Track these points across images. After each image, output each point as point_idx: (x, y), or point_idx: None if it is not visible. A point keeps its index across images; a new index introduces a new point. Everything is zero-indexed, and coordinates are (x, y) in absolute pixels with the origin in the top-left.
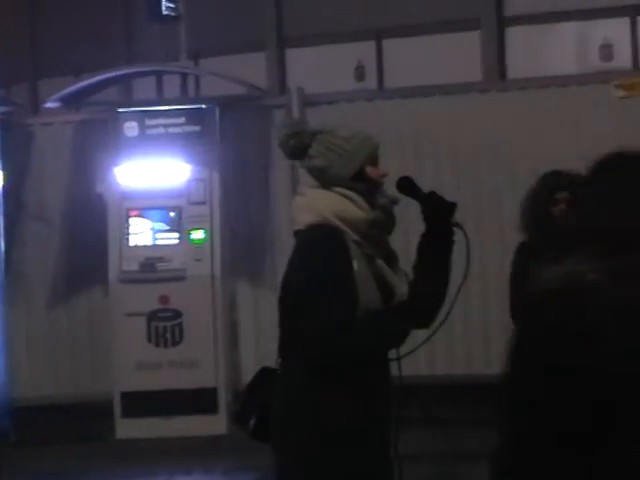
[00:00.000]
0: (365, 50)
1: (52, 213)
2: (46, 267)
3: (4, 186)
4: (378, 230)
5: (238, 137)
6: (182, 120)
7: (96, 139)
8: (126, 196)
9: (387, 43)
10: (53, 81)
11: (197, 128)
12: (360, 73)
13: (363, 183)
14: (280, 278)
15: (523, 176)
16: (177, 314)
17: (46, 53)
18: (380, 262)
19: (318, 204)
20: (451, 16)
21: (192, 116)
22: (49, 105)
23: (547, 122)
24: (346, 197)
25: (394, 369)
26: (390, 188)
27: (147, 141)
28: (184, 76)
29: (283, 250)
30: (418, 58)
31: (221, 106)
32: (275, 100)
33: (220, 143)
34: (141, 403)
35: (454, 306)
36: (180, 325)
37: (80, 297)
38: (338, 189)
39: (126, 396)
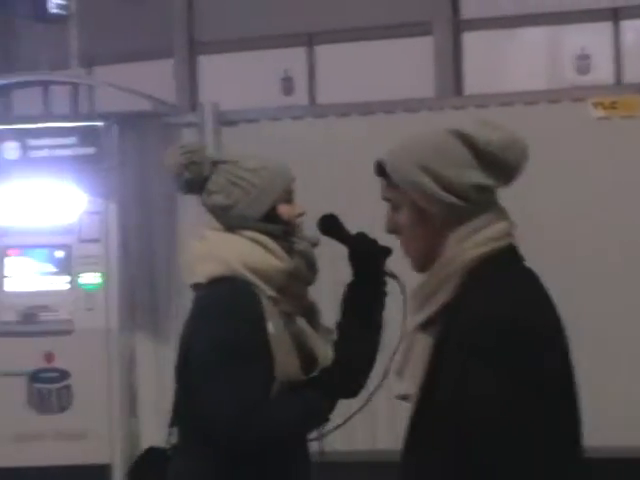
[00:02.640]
0: (293, 58)
1: None
2: None
3: None
4: (298, 282)
5: (141, 161)
6: (73, 140)
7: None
8: (3, 231)
9: (320, 50)
10: None
11: (91, 150)
12: (288, 85)
13: (276, 224)
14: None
15: None
16: (64, 374)
17: None
18: (300, 321)
19: (223, 252)
20: (398, 19)
21: (85, 135)
22: None
23: None
24: (257, 243)
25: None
26: (311, 227)
27: (30, 165)
28: (75, 87)
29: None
30: (357, 68)
31: (120, 124)
32: (185, 118)
33: (119, 168)
34: None
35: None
36: (68, 388)
37: None
38: (247, 233)
39: (1, 473)
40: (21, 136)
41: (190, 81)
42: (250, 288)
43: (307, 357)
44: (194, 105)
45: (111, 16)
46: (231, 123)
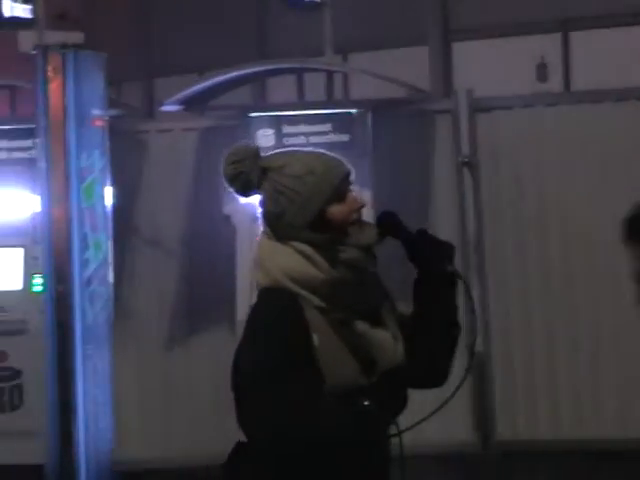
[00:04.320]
0: (549, 44)
1: (169, 237)
2: (162, 302)
3: (113, 205)
4: (346, 291)
5: (394, 148)
6: (327, 127)
7: (223, 149)
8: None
9: (575, 36)
10: (171, 80)
11: (345, 137)
12: (542, 72)
13: (324, 231)
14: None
15: None
16: (16, 373)
17: (163, 48)
18: (359, 324)
19: (268, 262)
20: None
21: (339, 123)
22: (166, 108)
23: None
24: (300, 253)
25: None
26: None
27: None
28: (329, 75)
29: None
30: (613, 54)
31: (374, 111)
32: (439, 104)
33: (373, 156)
34: None
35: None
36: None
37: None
38: (294, 243)
39: None
40: (276, 123)
41: (444, 68)
42: (294, 300)
43: (369, 360)
44: (448, 92)
45: (365, 3)
46: (485, 110)
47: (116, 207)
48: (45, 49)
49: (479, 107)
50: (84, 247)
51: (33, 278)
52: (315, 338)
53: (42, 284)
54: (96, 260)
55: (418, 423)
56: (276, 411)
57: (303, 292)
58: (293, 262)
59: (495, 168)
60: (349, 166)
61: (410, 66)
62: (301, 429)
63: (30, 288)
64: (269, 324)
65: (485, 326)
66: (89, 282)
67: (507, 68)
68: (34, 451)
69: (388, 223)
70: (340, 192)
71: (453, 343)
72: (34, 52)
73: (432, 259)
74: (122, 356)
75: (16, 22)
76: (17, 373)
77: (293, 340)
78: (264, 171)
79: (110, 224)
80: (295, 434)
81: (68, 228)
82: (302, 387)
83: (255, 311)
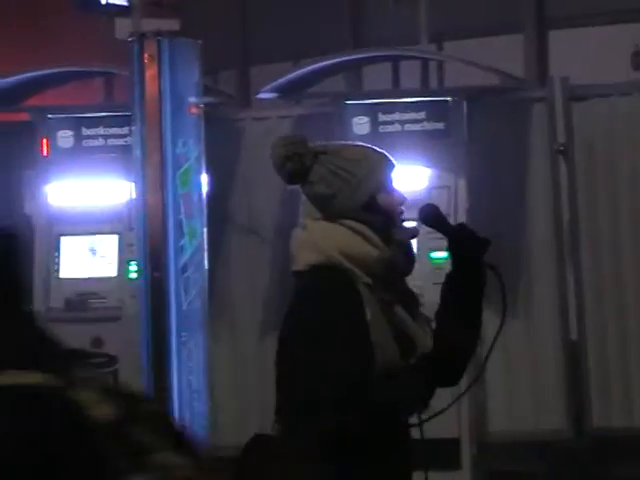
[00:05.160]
0: None
1: (263, 225)
2: (256, 290)
3: (209, 192)
4: (395, 271)
5: (489, 137)
6: (422, 115)
7: (318, 137)
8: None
9: None
10: (267, 68)
11: (440, 125)
12: (638, 60)
13: (375, 213)
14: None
15: None
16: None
17: (259, 35)
18: (398, 309)
19: (321, 240)
20: None
21: (434, 110)
22: (262, 96)
23: None
24: (356, 232)
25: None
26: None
27: (379, 140)
28: (425, 62)
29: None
30: None
31: (469, 99)
32: (534, 92)
33: (467, 143)
34: None
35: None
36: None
37: None
38: (346, 222)
39: None
40: (371, 111)
41: (539, 56)
42: (347, 275)
43: (405, 344)
44: (543, 80)
45: None
46: (581, 98)
47: (211, 194)
48: (141, 36)
49: (574, 95)
50: (179, 234)
51: (128, 265)
52: (368, 312)
53: (137, 271)
54: (191, 247)
55: (438, 414)
56: (330, 378)
57: (355, 269)
58: (348, 239)
59: (590, 156)
60: (395, 163)
61: (505, 54)
62: (353, 396)
63: (125, 275)
64: (326, 295)
65: (580, 313)
66: (184, 269)
67: (602, 56)
68: None
69: (430, 215)
70: (389, 182)
71: (472, 346)
72: (130, 39)
73: (470, 249)
74: (217, 343)
75: (113, 9)
76: (112, 359)
77: (350, 310)
78: (316, 155)
79: (205, 211)
80: (345, 400)
81: (163, 215)
82: (358, 356)
83: (307, 286)
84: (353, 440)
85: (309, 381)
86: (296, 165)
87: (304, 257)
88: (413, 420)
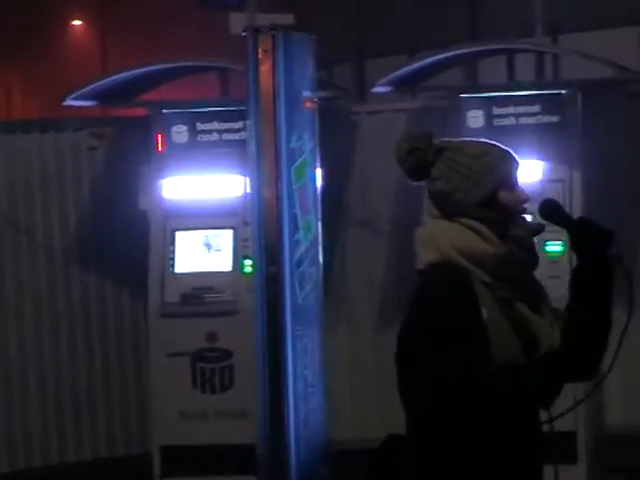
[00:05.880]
0: None
1: (380, 219)
2: (372, 284)
3: (323, 186)
4: (514, 267)
5: (604, 130)
6: (537, 108)
7: (434, 131)
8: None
9: None
10: (383, 61)
11: (555, 118)
12: None
13: (494, 210)
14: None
15: None
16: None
17: (374, 29)
18: (520, 306)
19: (438, 238)
20: None
21: (549, 104)
22: (378, 90)
23: None
24: (470, 229)
25: None
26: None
27: (494, 133)
28: (540, 55)
29: None
30: None
31: (584, 92)
32: None
33: (582, 136)
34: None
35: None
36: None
37: None
38: (462, 219)
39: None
40: (486, 104)
41: None
42: (464, 274)
43: (529, 341)
44: None
45: None
46: None
47: (326, 188)
48: (255, 31)
49: None
50: (294, 228)
51: (243, 259)
52: (484, 312)
53: (252, 265)
54: (306, 241)
55: (569, 410)
56: (443, 377)
57: (472, 267)
58: (463, 237)
59: None
60: (519, 160)
61: (621, 47)
62: (467, 395)
63: (240, 269)
64: (440, 294)
65: None
66: (299, 263)
67: None
68: (245, 431)
69: (550, 210)
70: (511, 180)
71: (604, 338)
72: (244, 34)
73: (592, 243)
74: (334, 338)
75: (227, 4)
76: (227, 354)
77: (464, 309)
78: (439, 151)
79: (320, 205)
80: (461, 400)
81: (278, 209)
82: (472, 355)
83: (424, 285)
84: (476, 439)
85: (417, 381)
86: (417, 160)
87: (424, 255)
88: (543, 417)
